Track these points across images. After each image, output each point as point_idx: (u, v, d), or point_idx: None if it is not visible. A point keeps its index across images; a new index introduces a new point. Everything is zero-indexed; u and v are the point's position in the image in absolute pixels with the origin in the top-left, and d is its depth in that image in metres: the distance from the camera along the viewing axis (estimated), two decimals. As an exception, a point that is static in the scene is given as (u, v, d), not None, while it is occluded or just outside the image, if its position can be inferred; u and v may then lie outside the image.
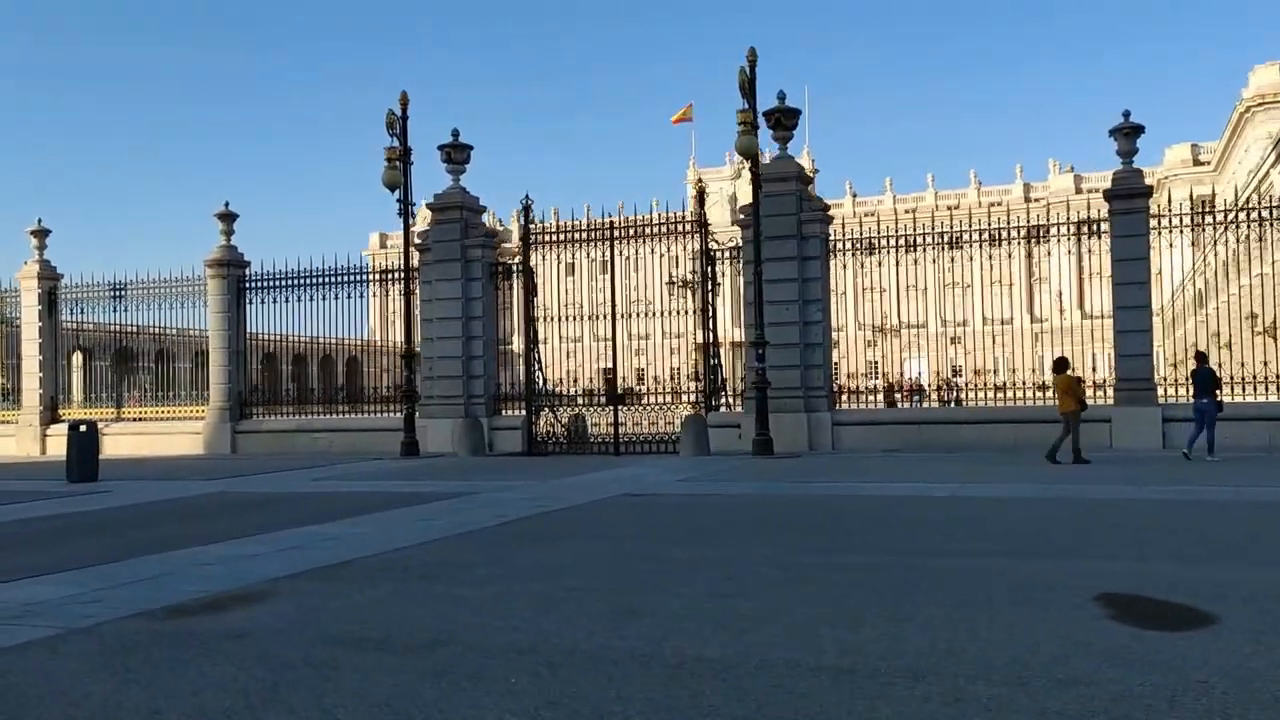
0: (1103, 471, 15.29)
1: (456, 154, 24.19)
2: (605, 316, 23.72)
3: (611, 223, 23.18)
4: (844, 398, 22.69)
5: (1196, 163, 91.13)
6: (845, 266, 22.39)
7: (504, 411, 24.59)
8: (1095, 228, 21.54)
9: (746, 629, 5.91)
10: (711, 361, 23.00)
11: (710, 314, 22.72)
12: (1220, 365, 21.20)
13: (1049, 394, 22.69)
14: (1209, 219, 22.65)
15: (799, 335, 21.36)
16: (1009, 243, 22.08)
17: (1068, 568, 7.58)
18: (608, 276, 22.88)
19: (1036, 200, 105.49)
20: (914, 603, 6.46)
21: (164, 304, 28.06)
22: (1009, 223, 22.26)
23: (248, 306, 27.14)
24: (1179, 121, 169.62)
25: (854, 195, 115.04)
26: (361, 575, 8.06)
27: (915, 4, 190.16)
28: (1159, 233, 20.29)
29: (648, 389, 24.86)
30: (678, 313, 25.85)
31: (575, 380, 25.63)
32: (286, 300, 26.33)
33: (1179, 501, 11.57)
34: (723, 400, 23.49)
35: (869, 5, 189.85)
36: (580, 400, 24.17)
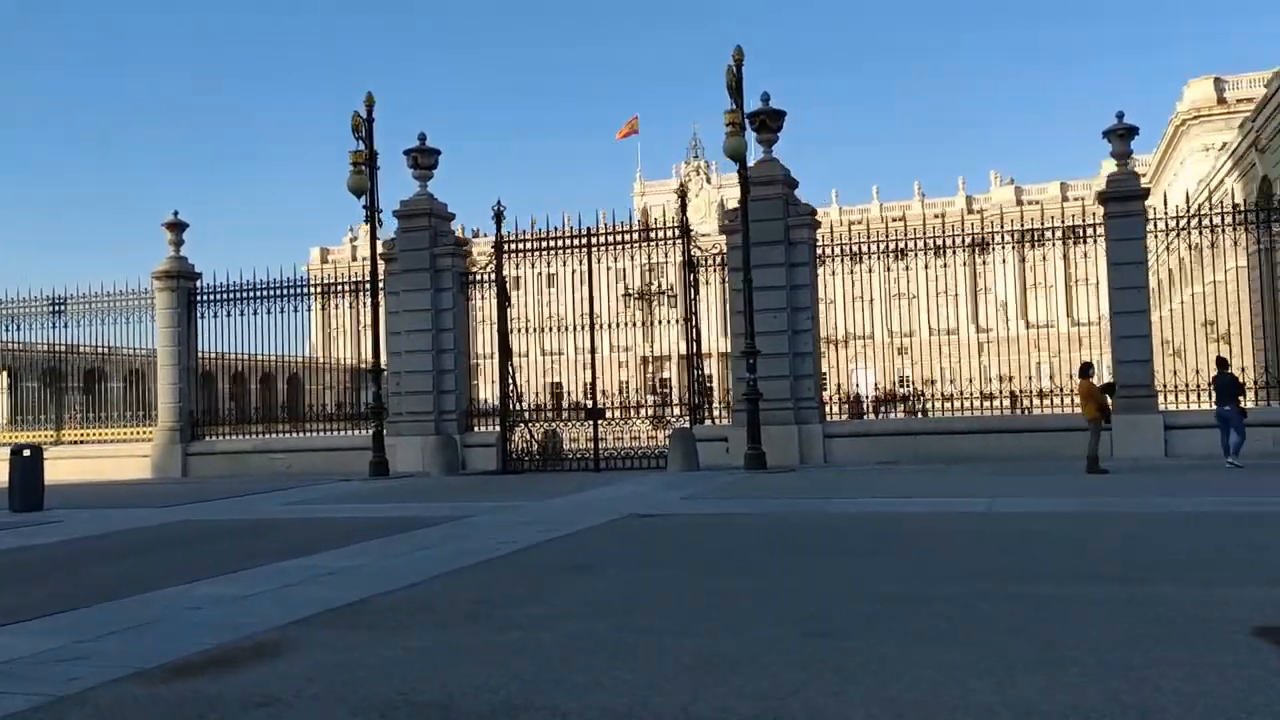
0: (1130, 482, 14.65)
1: (424, 159, 23.11)
2: (552, 330, 22.82)
3: (589, 230, 22.25)
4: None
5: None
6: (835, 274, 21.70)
7: (475, 428, 23.51)
8: (1037, 237, 21.30)
9: (877, 681, 4.99)
10: (696, 373, 22.10)
11: (694, 324, 21.81)
12: (1174, 372, 20.88)
13: (994, 403, 22.30)
14: (1189, 223, 22.24)
15: (788, 344, 20.58)
16: (957, 251, 21.63)
17: (1196, 595, 6.77)
18: (554, 290, 21.95)
19: (978, 212, 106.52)
20: (1050, 642, 5.59)
21: (108, 319, 26.59)
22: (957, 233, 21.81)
23: (199, 321, 25.75)
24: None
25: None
26: (386, 619, 7.00)
27: (856, 20, 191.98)
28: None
29: (608, 403, 23.82)
30: (662, 323, 24.93)
31: (521, 396, 24.49)
32: (243, 314, 24.98)
33: (1239, 514, 10.90)
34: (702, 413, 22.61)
35: (812, 21, 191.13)
36: (565, 415, 23.17)
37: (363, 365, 24.71)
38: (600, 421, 22.04)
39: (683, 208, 21.96)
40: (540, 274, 24.86)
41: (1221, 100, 69.83)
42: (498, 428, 22.62)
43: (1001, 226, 22.30)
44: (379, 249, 23.19)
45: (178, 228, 26.14)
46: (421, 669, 5.62)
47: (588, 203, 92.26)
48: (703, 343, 22.34)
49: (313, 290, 25.21)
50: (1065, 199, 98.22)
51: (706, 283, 22.35)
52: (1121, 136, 19.53)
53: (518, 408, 22.70)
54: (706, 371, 23.63)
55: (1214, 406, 16.95)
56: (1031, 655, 5.35)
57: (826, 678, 5.09)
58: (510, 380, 22.44)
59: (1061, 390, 21.36)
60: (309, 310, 24.78)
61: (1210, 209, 21.35)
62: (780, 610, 6.76)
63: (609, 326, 24.81)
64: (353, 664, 5.77)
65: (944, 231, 21.82)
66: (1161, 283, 49.26)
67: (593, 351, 22.03)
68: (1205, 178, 52.03)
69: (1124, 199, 19.56)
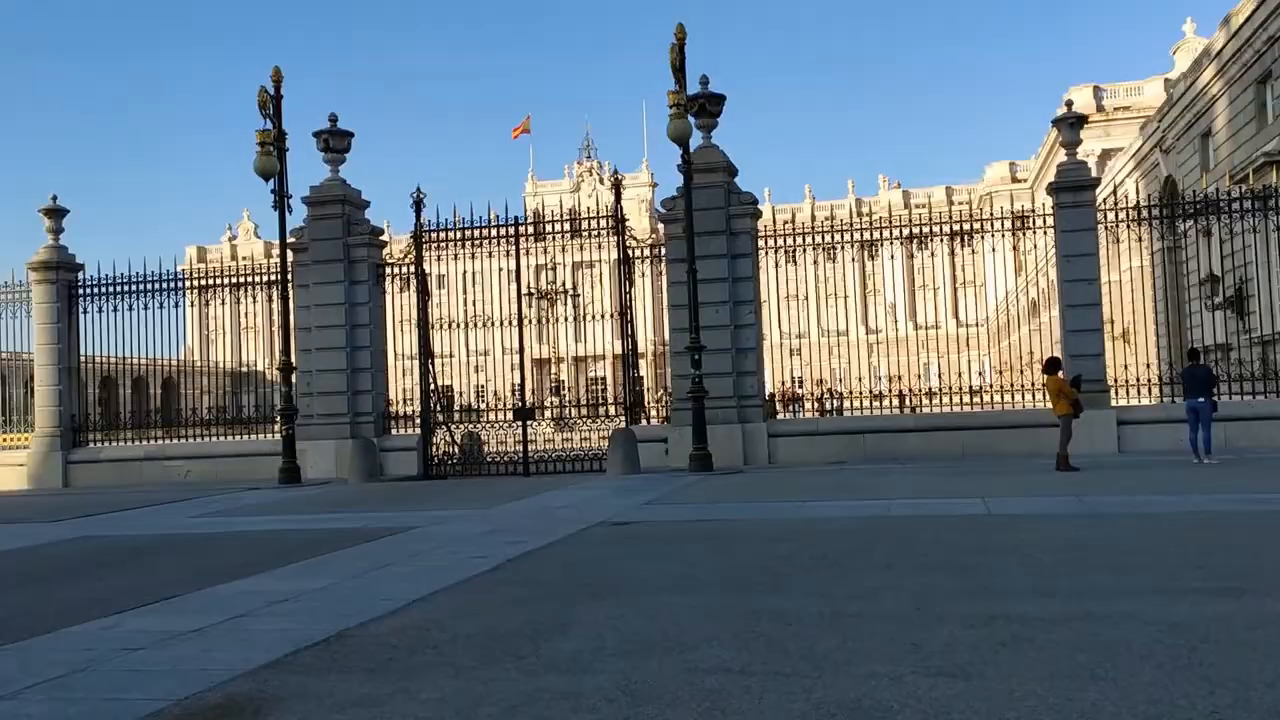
0: (1111, 480, 14.06)
1: (335, 141, 21.48)
2: (442, 329, 21.84)
3: (518, 220, 20.93)
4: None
5: (1014, 180, 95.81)
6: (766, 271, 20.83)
7: (392, 431, 21.97)
8: (926, 239, 21.13)
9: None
10: (631, 372, 20.97)
11: (629, 319, 20.67)
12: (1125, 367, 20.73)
13: (888, 401, 21.89)
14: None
15: (730, 340, 19.62)
16: (848, 247, 21.21)
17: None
18: (444, 291, 20.59)
19: (867, 214, 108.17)
20: (1241, 682, 4.64)
21: (-24, 316, 24.12)
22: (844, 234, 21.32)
23: (83, 316, 23.51)
24: (998, 139, 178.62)
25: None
26: (382, 659, 5.67)
27: (753, 31, 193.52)
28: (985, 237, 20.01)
29: (493, 403, 22.65)
30: (596, 318, 23.75)
31: (442, 396, 23.03)
32: (131, 309, 22.88)
33: (1260, 513, 10.30)
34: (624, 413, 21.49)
35: (706, 28, 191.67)
36: (497, 416, 21.81)
37: (243, 368, 22.87)
38: (507, 423, 21.02)
39: (617, 197, 20.78)
40: (431, 273, 23.21)
41: (1100, 108, 72.12)
42: (416, 430, 21.19)
43: (890, 227, 21.84)
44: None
45: (57, 214, 23.87)
46: (467, 732, 4.37)
47: (481, 199, 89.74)
48: (627, 341, 21.16)
49: (214, 284, 23.20)
50: (951, 202, 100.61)
51: (642, 275, 21.26)
52: (1071, 125, 19.16)
53: (438, 408, 21.28)
54: (601, 373, 22.64)
55: (1184, 399, 16.47)
56: (1216, 695, 4.39)
57: (997, 730, 4.04)
58: (431, 380, 21.02)
59: (952, 389, 21.18)
60: (206, 305, 22.82)
61: (1108, 209, 21.19)
62: (867, 638, 5.67)
63: (505, 326, 23.29)
64: (370, 727, 4.48)
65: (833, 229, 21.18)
66: (1054, 283, 50.14)
67: (521, 350, 20.74)
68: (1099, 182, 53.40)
69: (1075, 189, 19.12)
